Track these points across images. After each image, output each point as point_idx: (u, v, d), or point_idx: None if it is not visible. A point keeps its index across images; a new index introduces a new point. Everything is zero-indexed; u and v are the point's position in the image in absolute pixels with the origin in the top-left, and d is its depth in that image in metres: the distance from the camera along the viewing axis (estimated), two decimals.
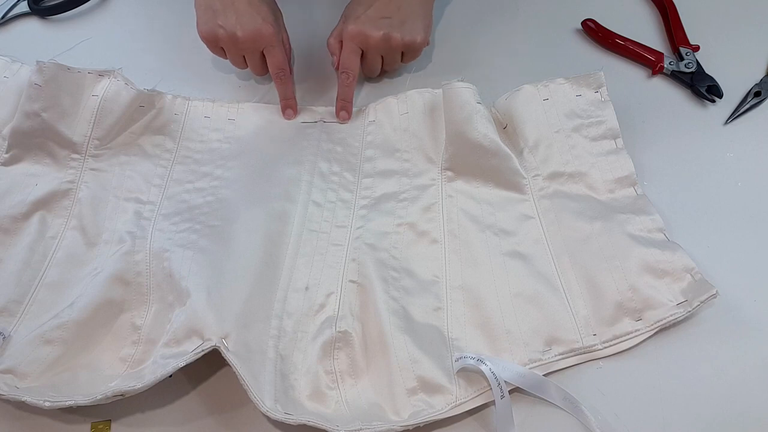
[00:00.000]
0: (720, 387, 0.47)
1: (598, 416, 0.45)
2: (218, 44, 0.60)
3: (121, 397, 0.43)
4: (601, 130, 0.58)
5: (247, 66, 0.62)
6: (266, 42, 0.59)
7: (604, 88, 0.60)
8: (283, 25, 0.63)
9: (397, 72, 0.66)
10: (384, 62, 0.63)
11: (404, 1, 0.60)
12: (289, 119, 0.62)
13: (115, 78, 0.57)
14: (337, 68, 0.62)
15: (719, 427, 0.46)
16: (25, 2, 0.70)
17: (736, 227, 0.56)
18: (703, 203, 0.57)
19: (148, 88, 0.59)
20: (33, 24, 0.70)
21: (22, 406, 0.45)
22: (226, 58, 0.62)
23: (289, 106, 0.62)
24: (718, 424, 0.46)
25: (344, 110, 0.62)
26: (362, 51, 0.60)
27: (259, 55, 0.60)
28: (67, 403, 0.42)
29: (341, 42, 0.61)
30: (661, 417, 0.46)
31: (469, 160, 0.57)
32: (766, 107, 0.64)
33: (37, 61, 0.56)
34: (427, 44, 0.62)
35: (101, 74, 0.57)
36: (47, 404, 0.42)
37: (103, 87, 0.57)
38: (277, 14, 0.62)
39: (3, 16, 0.70)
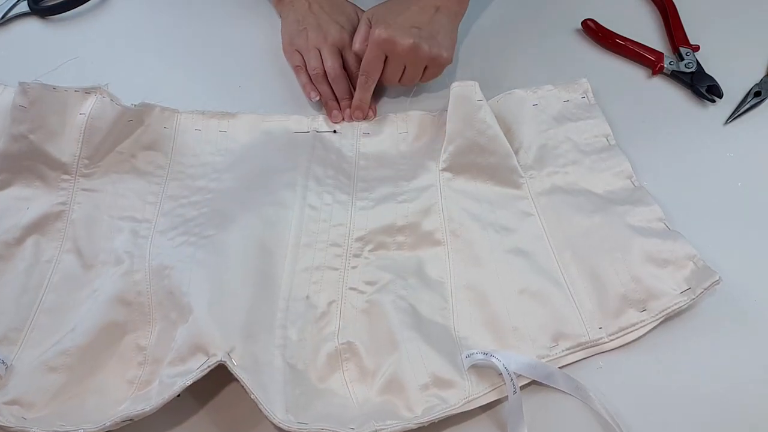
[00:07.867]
0: (720, 389, 0.50)
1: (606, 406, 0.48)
2: (296, 47, 0.66)
3: (129, 422, 0.45)
4: (591, 130, 0.63)
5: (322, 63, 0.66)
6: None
7: (591, 92, 0.65)
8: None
9: (412, 89, 0.68)
10: (405, 73, 0.64)
11: (435, 15, 0.63)
12: (357, 118, 0.65)
13: (101, 95, 0.58)
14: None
15: (721, 426, 0.49)
16: (25, 2, 0.72)
17: (736, 227, 0.59)
18: (703, 203, 0.60)
19: (135, 103, 0.61)
20: (33, 24, 0.72)
21: None
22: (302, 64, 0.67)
23: (360, 108, 0.65)
24: (720, 422, 0.49)
25: (359, 109, 0.65)
26: (386, 57, 0.62)
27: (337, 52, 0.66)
28: None
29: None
30: (662, 417, 0.49)
31: (467, 159, 0.60)
32: (766, 107, 0.67)
33: (20, 83, 0.57)
34: (450, 62, 0.64)
35: (87, 92, 0.58)
36: None
37: (90, 104, 0.58)
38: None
39: (3, 16, 0.71)
